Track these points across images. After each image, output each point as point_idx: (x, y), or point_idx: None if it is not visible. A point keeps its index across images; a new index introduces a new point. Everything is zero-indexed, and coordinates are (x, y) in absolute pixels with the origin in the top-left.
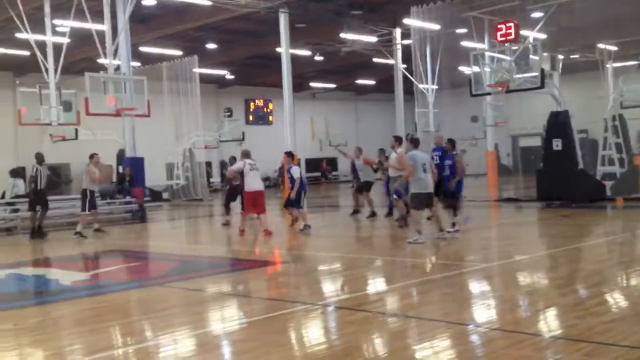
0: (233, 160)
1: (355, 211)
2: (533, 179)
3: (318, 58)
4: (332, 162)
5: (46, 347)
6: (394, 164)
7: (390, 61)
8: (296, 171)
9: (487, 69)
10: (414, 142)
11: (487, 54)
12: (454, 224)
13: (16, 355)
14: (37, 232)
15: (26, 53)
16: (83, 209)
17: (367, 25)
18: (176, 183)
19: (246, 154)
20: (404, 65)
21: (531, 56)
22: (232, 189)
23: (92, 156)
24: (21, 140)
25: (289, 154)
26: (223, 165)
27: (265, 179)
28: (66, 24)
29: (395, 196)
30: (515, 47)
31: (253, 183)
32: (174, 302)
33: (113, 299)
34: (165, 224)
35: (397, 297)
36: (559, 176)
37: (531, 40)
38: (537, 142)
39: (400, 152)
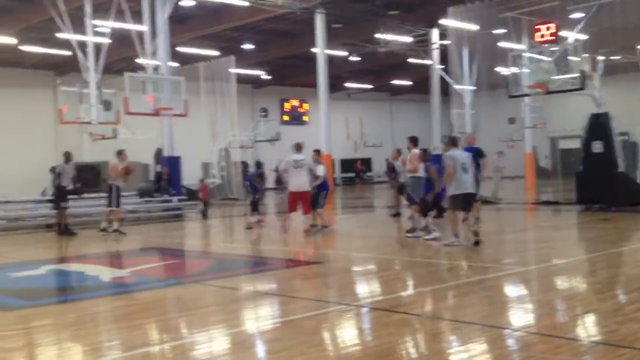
0: (258, 165)
1: (397, 213)
2: (572, 181)
3: (353, 58)
4: (367, 163)
5: (85, 342)
6: (408, 166)
7: (426, 62)
8: (320, 170)
9: (525, 70)
10: (453, 141)
11: (526, 54)
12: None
13: (56, 350)
14: (64, 229)
15: (67, 53)
16: (111, 205)
17: (404, 26)
18: (212, 182)
19: (298, 147)
20: (441, 66)
21: (571, 57)
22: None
23: (120, 152)
24: (61, 138)
25: (317, 152)
26: (258, 165)
27: None
28: (106, 25)
29: (407, 202)
30: (554, 48)
31: (297, 182)
32: (210, 300)
33: (151, 295)
34: (201, 223)
35: (433, 299)
36: (599, 179)
37: (571, 41)
38: (576, 144)
39: (413, 154)
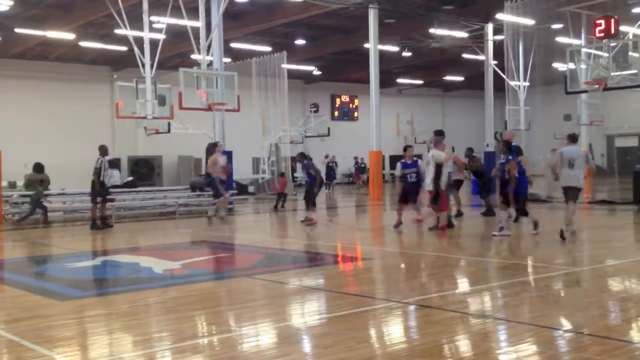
0: (302, 157)
1: (459, 213)
2: (628, 180)
3: (406, 54)
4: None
5: (136, 333)
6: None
7: (480, 57)
8: (397, 168)
9: (583, 66)
10: (571, 138)
11: (584, 50)
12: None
13: (107, 340)
14: (101, 223)
15: (124, 48)
16: (217, 195)
17: (458, 21)
18: (262, 177)
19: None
20: (495, 62)
21: (631, 53)
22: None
23: (215, 144)
24: (117, 132)
25: (405, 149)
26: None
27: (348, 176)
28: (163, 21)
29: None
30: (614, 44)
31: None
32: (259, 294)
33: (202, 288)
34: (251, 217)
35: (484, 298)
36: None
37: (631, 37)
38: (634, 142)
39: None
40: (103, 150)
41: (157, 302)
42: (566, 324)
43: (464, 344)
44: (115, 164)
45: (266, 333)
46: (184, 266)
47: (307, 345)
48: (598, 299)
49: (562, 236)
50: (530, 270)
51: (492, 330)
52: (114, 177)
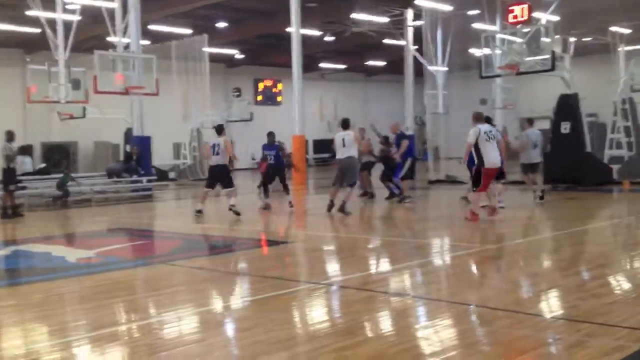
0: (271, 136)
1: (368, 194)
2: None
3: (328, 38)
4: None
5: (50, 323)
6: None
7: (401, 42)
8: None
9: (497, 51)
10: (531, 122)
11: (498, 36)
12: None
13: (20, 330)
14: (12, 212)
15: (36, 30)
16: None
17: (379, 6)
18: (183, 163)
19: (479, 117)
20: (415, 47)
21: (543, 38)
22: (274, 167)
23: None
24: (30, 117)
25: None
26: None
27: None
28: (77, 2)
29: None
30: (526, 30)
31: (490, 155)
32: (177, 280)
33: (118, 276)
34: (171, 203)
35: (400, 277)
36: (567, 159)
37: (543, 23)
38: (546, 125)
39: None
40: (9, 135)
41: (71, 291)
42: (478, 299)
43: (382, 322)
44: (27, 150)
45: (184, 319)
46: (98, 254)
47: (225, 329)
48: (508, 275)
49: (541, 198)
50: (446, 249)
51: (408, 307)
52: (26, 164)
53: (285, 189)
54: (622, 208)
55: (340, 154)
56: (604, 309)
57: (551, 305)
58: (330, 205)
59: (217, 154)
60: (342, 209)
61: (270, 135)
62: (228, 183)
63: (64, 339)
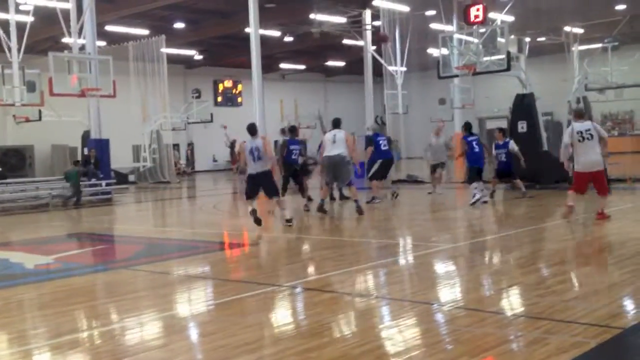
0: (283, 132)
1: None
2: None
3: (287, 39)
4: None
5: (10, 331)
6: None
7: (360, 43)
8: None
9: (455, 52)
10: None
11: (455, 36)
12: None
13: None
14: None
15: None
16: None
17: (337, 6)
18: (143, 165)
19: (580, 115)
20: (374, 47)
21: (498, 39)
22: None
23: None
24: None
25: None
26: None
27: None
28: (30, 2)
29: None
30: (482, 30)
31: (582, 157)
32: (139, 285)
33: (78, 282)
34: (131, 207)
35: (364, 278)
36: (524, 158)
37: (499, 23)
38: (503, 124)
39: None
40: None
41: (30, 298)
42: (439, 298)
43: (346, 323)
44: None
45: (147, 324)
46: (57, 260)
47: (189, 334)
48: (469, 273)
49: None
50: (407, 249)
51: (372, 308)
52: None
53: (302, 190)
54: (579, 206)
55: (329, 150)
56: (563, 306)
57: (512, 302)
58: (321, 205)
59: (259, 158)
60: (355, 203)
61: (293, 130)
62: (274, 190)
63: (24, 347)
